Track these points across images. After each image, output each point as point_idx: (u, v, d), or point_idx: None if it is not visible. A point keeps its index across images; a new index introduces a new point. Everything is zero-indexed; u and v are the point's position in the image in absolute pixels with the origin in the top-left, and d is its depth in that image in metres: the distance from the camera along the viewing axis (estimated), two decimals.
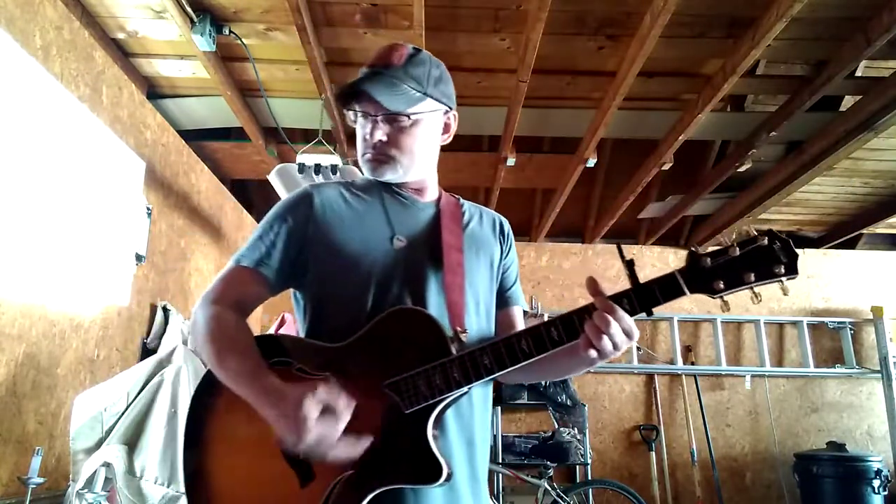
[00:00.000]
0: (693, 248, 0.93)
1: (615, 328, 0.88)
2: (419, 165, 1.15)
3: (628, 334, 0.90)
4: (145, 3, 2.50)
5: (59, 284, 2.23)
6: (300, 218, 1.10)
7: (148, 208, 2.90)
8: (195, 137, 3.55)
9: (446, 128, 1.19)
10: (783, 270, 0.88)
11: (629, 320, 0.90)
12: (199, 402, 1.06)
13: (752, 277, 0.89)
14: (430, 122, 1.14)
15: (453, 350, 0.97)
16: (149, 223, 2.91)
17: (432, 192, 1.21)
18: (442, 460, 0.92)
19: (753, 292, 0.91)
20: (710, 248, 0.92)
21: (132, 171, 2.75)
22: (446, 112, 1.17)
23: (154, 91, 3.18)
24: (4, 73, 1.95)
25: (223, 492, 1.00)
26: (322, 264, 1.08)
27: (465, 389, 0.95)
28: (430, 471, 0.92)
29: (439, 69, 1.15)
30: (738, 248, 0.90)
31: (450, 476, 0.92)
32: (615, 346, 0.90)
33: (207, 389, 1.05)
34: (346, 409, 0.90)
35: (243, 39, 2.69)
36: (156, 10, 2.53)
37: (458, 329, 1.03)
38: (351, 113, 1.13)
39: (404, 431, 0.94)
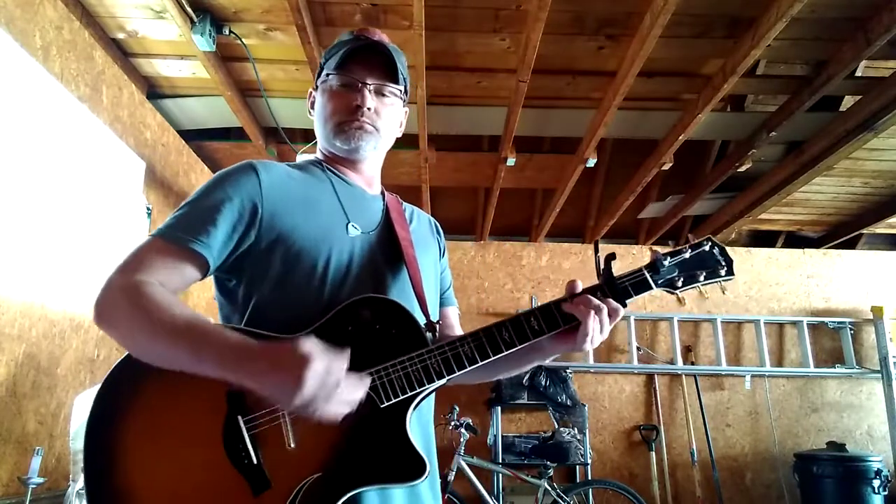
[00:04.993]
0: (652, 248, 1.07)
1: (602, 307, 0.94)
2: (384, 148, 1.11)
3: (614, 313, 0.95)
4: (145, 3, 2.50)
5: (59, 284, 2.23)
6: (246, 194, 0.93)
7: (148, 208, 2.90)
8: (195, 137, 3.55)
9: (400, 123, 1.14)
10: (724, 273, 1.03)
11: (613, 302, 0.96)
12: (112, 395, 0.86)
13: (703, 277, 1.03)
14: (399, 109, 1.11)
15: (429, 341, 0.93)
16: (149, 223, 2.91)
17: (377, 185, 1.15)
18: (424, 456, 0.87)
19: (700, 291, 1.06)
20: (666, 250, 1.06)
21: (132, 171, 2.76)
22: (405, 105, 1.13)
23: (154, 91, 3.17)
24: (4, 73, 1.95)
25: None
26: (272, 248, 0.94)
27: (444, 381, 0.90)
28: (412, 468, 0.86)
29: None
30: (689, 250, 1.03)
31: (428, 473, 0.87)
32: (604, 323, 0.94)
33: (125, 380, 0.86)
34: (342, 353, 0.78)
35: (243, 39, 2.69)
36: (156, 10, 2.54)
37: (432, 320, 1.00)
38: (334, 77, 1.03)
39: (380, 427, 0.87)
